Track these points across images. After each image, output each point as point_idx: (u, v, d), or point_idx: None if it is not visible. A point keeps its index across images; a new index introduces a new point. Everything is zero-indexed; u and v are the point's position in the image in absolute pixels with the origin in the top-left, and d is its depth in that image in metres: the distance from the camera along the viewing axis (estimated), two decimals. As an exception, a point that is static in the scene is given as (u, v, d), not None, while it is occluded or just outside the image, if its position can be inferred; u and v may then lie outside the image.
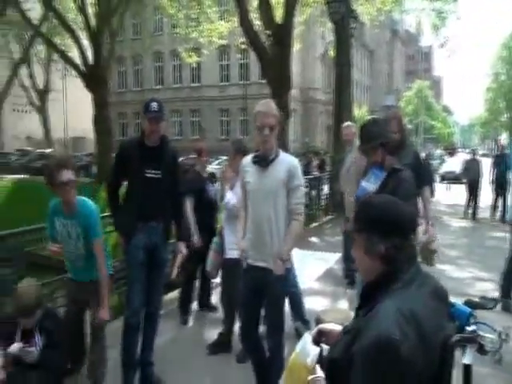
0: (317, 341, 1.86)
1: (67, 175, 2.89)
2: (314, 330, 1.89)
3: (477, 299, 1.65)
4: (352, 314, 2.89)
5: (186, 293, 4.80)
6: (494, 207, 11.12)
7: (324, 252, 7.56)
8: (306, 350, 1.86)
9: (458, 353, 1.49)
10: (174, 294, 5.35)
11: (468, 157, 13.08)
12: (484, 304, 1.64)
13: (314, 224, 9.97)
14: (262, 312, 3.00)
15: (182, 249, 3.47)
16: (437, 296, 1.53)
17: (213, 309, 4.87)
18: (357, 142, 4.38)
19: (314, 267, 6.44)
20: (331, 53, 18.03)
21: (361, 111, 38.70)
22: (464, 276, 6.19)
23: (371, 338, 1.37)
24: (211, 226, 4.64)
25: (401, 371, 1.33)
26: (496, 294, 5.02)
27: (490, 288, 5.44)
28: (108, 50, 17.81)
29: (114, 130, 20.22)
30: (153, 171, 3.17)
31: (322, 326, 1.93)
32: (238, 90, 37.46)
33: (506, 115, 60.10)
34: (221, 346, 3.94)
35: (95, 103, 17.19)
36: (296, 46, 17.03)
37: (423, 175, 3.75)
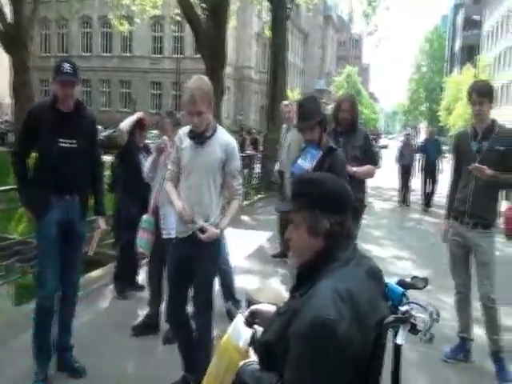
0: (250, 322, 1.80)
1: None
2: (247, 312, 1.83)
3: (409, 279, 1.67)
4: (284, 292, 2.89)
5: (122, 266, 4.61)
6: (425, 193, 10.79)
7: (255, 230, 7.60)
8: (238, 332, 1.80)
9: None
10: (95, 273, 5.10)
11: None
12: (415, 284, 1.65)
13: (246, 202, 9.98)
14: (190, 291, 2.90)
15: (101, 224, 3.24)
16: (372, 276, 1.52)
17: (139, 288, 4.69)
18: None
19: (244, 245, 6.44)
20: (266, 33, 17.93)
21: (293, 93, 39.13)
22: (386, 255, 6.48)
23: (307, 318, 1.33)
24: (144, 198, 4.32)
25: (337, 351, 1.31)
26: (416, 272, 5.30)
27: (409, 266, 5.73)
28: (30, 10, 16.43)
29: (36, 96, 18.77)
30: (67, 140, 2.87)
31: (255, 307, 1.87)
32: (171, 64, 36.33)
33: (425, 105, 64.17)
34: (147, 327, 3.78)
35: (14, 66, 15.89)
36: (231, 23, 16.70)
37: (372, 157, 3.83)
